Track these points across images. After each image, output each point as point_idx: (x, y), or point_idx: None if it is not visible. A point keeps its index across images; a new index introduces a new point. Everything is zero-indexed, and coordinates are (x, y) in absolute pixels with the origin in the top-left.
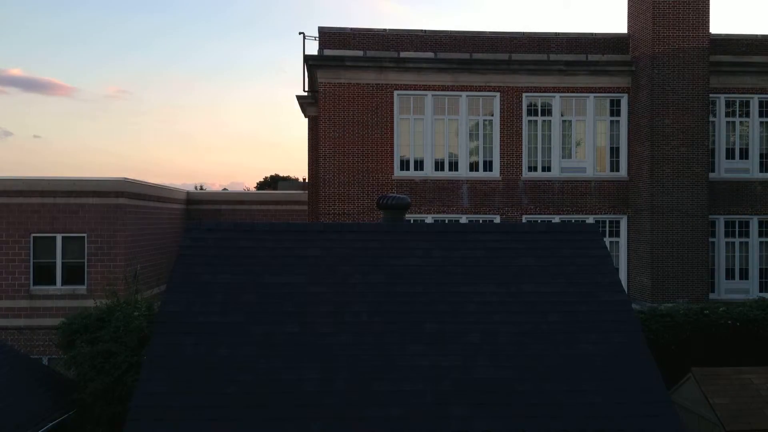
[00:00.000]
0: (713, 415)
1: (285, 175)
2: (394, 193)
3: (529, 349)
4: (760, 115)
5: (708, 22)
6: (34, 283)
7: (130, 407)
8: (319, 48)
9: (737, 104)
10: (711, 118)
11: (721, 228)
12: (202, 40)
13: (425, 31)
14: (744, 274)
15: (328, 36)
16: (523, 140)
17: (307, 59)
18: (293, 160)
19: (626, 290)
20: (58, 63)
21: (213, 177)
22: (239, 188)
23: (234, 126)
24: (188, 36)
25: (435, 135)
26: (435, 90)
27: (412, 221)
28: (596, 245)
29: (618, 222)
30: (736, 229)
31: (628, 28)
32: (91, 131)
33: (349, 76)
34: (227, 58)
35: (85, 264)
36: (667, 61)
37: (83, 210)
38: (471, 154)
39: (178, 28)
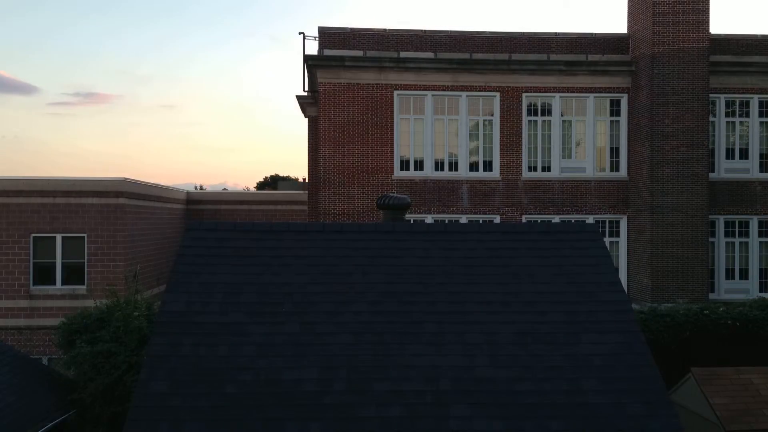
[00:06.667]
0: (713, 415)
1: (285, 175)
2: (394, 193)
3: (528, 349)
4: (760, 115)
5: (708, 22)
6: (34, 283)
7: (130, 407)
8: (319, 48)
9: (737, 104)
10: (711, 118)
11: (721, 228)
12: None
13: (425, 31)
14: (744, 274)
15: (328, 36)
16: (523, 140)
17: (307, 59)
18: (293, 160)
19: (626, 290)
20: (14, 62)
21: (204, 178)
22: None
23: (233, 126)
24: (180, 36)
25: (435, 135)
26: (435, 90)
27: (412, 221)
28: (596, 245)
29: (618, 222)
30: (736, 229)
31: (628, 28)
32: (66, 131)
33: (349, 76)
34: (225, 58)
35: (85, 264)
36: (667, 61)
37: (83, 210)
38: (471, 154)
39: (168, 29)
